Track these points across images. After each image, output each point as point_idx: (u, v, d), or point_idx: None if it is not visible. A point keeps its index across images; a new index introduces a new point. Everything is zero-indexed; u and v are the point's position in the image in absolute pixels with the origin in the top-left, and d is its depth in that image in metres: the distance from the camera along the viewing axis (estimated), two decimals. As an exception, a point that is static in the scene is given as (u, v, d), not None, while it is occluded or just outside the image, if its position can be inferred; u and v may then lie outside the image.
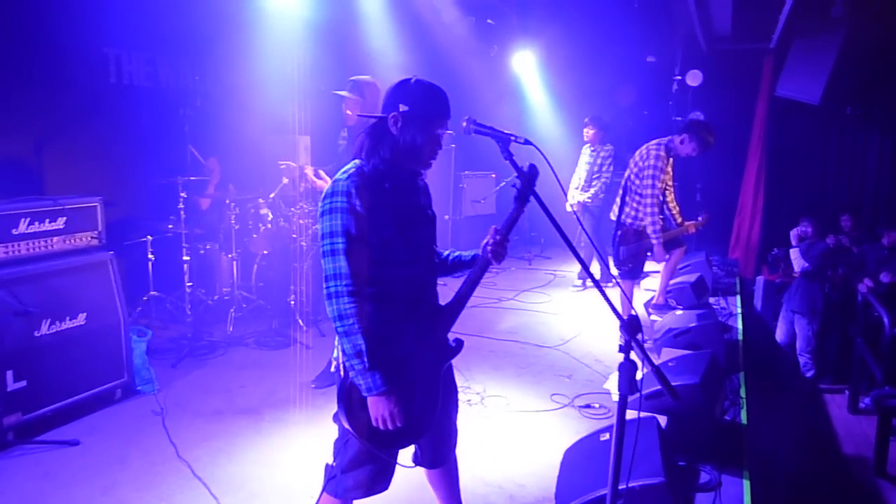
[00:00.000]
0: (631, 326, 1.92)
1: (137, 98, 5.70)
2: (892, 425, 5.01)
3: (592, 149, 7.22)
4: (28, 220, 3.61)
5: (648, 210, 5.05)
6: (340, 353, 2.08)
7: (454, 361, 2.29)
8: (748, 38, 7.93)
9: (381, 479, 2.22)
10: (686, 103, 8.55)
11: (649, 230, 5.09)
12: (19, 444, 3.45)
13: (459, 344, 2.28)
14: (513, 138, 2.04)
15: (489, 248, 2.12)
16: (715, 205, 8.96)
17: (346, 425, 2.09)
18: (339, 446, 2.22)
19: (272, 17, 5.91)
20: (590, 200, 7.13)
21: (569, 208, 7.38)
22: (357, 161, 2.12)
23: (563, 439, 3.65)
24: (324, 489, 2.26)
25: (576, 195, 7.24)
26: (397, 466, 2.24)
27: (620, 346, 1.96)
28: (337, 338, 2.08)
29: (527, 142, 2.03)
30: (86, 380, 3.84)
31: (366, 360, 1.96)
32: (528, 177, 2.04)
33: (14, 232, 3.55)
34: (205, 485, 3.18)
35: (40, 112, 4.99)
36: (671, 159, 5.19)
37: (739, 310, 6.28)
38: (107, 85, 5.51)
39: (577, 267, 7.84)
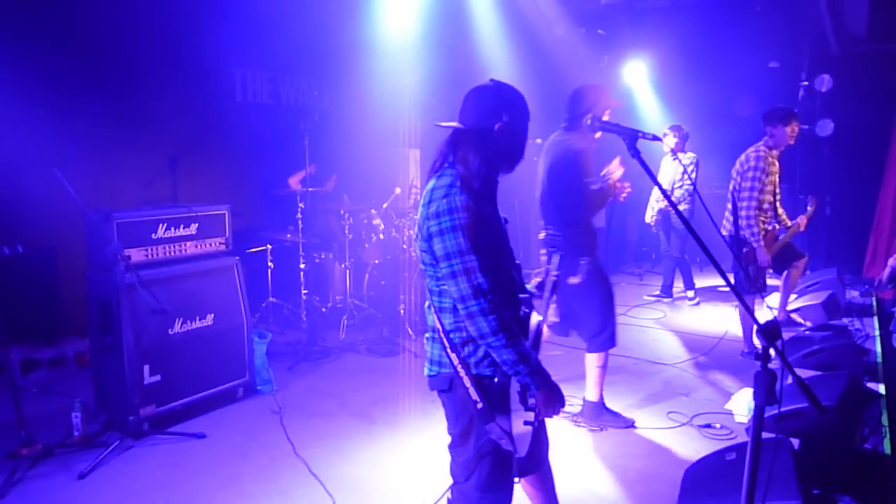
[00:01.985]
0: (770, 332, 1.79)
1: (260, 114, 6.04)
2: None
3: (674, 158, 6.93)
4: (165, 225, 3.88)
5: (744, 213, 4.86)
6: (458, 362, 2.04)
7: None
8: (886, 37, 7.33)
9: (507, 501, 2.17)
10: (814, 111, 8.01)
11: (747, 233, 4.84)
12: (153, 434, 3.69)
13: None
14: (640, 134, 1.97)
15: None
16: (848, 220, 8.34)
17: (503, 427, 2.01)
18: (472, 465, 2.13)
19: (387, 34, 6.10)
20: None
21: (649, 219, 7.24)
22: (452, 172, 2.03)
23: (683, 458, 3.47)
24: None
25: (656, 206, 7.11)
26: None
27: (757, 352, 1.83)
28: (431, 342, 2.13)
29: (654, 137, 1.95)
30: (212, 377, 4.07)
31: (531, 361, 1.94)
32: None
33: (153, 236, 3.82)
34: (320, 482, 3.26)
35: (174, 128, 5.39)
36: (775, 159, 5.06)
37: (878, 331, 5.77)
38: (233, 103, 5.88)
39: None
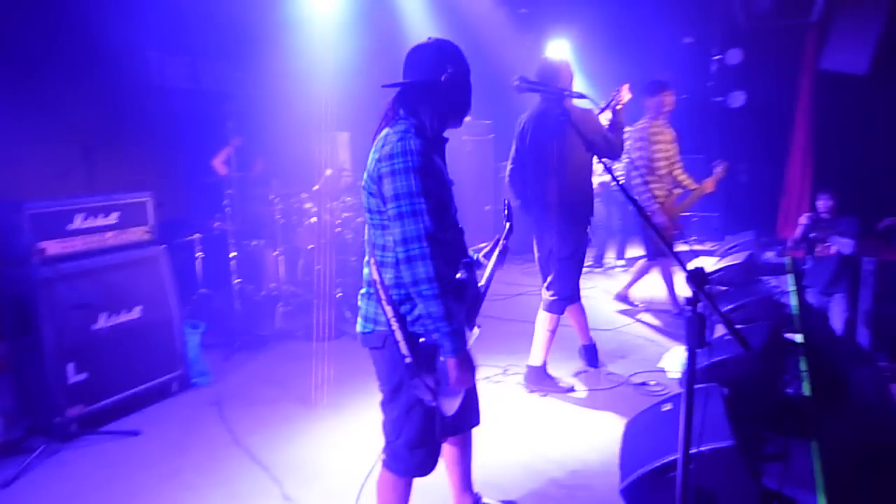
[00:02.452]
0: (698, 278, 1.86)
1: (180, 99, 5.81)
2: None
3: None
4: (83, 215, 3.69)
5: (633, 182, 5.30)
6: (393, 316, 2.05)
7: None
8: (789, 12, 7.72)
9: (434, 458, 2.22)
10: (727, 83, 8.38)
11: (640, 200, 5.19)
12: (83, 435, 3.52)
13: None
14: (566, 93, 2.01)
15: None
16: (762, 185, 8.77)
17: (430, 385, 2.05)
18: (401, 422, 2.18)
19: (309, 15, 5.96)
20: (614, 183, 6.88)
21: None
22: (404, 123, 2.07)
23: (621, 415, 3.59)
24: (390, 469, 2.24)
25: (596, 180, 7.11)
26: None
27: (687, 298, 1.90)
28: (367, 299, 2.14)
29: (580, 95, 1.99)
30: (144, 372, 3.91)
31: (454, 322, 1.95)
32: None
33: (69, 227, 3.62)
34: (265, 468, 3.20)
35: (89, 116, 5.12)
36: (660, 128, 5.31)
37: (793, 287, 6.11)
38: (150, 87, 5.63)
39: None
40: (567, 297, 3.97)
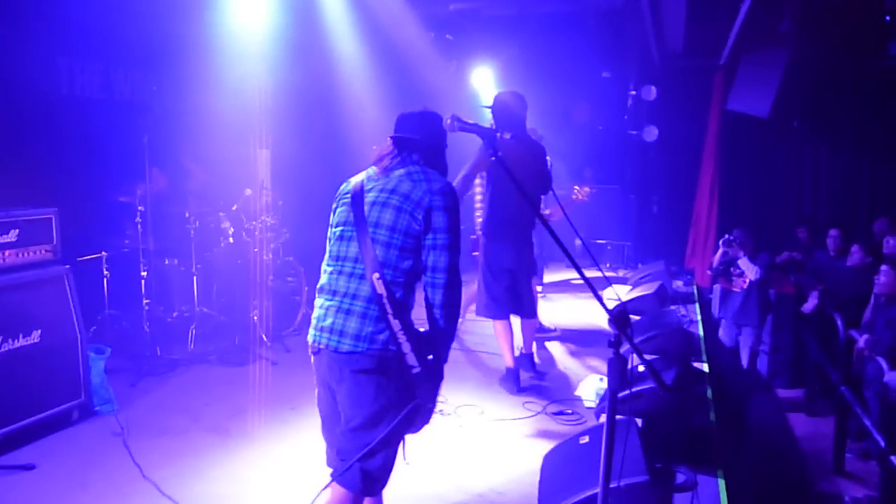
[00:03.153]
0: (620, 320, 1.93)
1: (91, 110, 5.52)
2: (846, 427, 5.18)
3: None
4: (-22, 232, 3.43)
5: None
6: (400, 329, 2.15)
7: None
8: (700, 53, 8.19)
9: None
10: (641, 118, 8.77)
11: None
12: (-31, 470, 3.25)
13: None
14: (498, 133, 2.05)
15: None
16: (672, 217, 9.21)
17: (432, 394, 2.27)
18: (381, 444, 2.20)
19: (233, 29, 5.81)
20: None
21: None
22: (431, 170, 2.32)
23: (540, 446, 3.63)
24: (353, 488, 2.23)
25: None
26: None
27: (610, 340, 1.96)
28: (361, 317, 2.20)
29: (513, 136, 2.04)
30: (41, 400, 3.65)
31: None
32: None
33: (-37, 245, 3.37)
34: (174, 503, 3.04)
35: (-13, 123, 4.78)
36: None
37: (699, 317, 6.42)
38: (59, 96, 5.32)
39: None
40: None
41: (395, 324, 2.14)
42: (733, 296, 6.50)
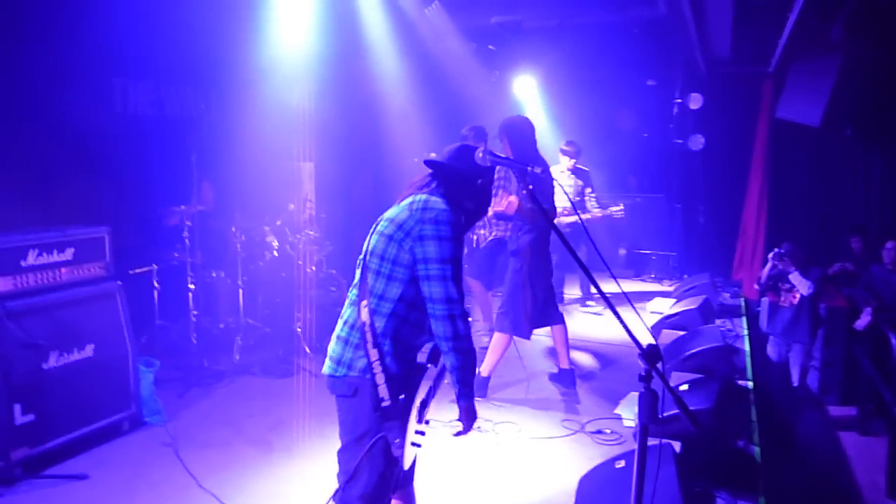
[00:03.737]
0: (651, 355, 1.91)
1: (143, 126, 5.73)
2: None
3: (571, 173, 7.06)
4: (36, 251, 3.60)
5: None
6: (377, 360, 2.16)
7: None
8: (748, 61, 8.01)
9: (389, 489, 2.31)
10: (686, 126, 8.62)
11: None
12: (27, 479, 3.40)
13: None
14: (529, 168, 2.06)
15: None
16: (718, 227, 9.02)
17: (398, 431, 2.18)
18: (360, 472, 2.21)
19: (278, 46, 5.96)
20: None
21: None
22: (441, 196, 2.27)
23: (577, 466, 3.62)
24: None
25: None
26: None
27: (640, 374, 1.95)
28: (345, 344, 2.25)
29: (544, 171, 2.05)
30: (93, 412, 3.81)
31: (475, 370, 2.21)
32: None
33: (23, 264, 3.54)
34: None
35: (47, 143, 5.00)
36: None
37: (746, 331, 6.27)
38: (112, 114, 5.54)
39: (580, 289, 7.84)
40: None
41: (373, 353, 2.15)
42: (782, 311, 6.31)
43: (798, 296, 6.12)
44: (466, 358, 2.15)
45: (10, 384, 3.36)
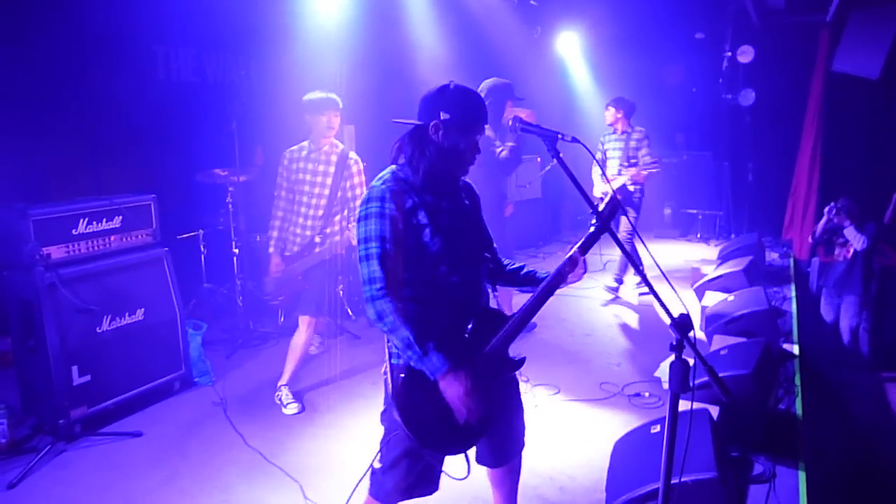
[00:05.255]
0: (682, 325, 1.89)
1: (185, 93, 5.82)
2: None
3: (622, 132, 6.35)
4: (86, 220, 3.74)
5: None
6: (387, 354, 2.15)
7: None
8: (803, 10, 7.62)
9: (424, 482, 2.21)
10: (737, 80, 8.31)
11: None
12: (86, 436, 3.61)
13: (521, 361, 2.27)
14: (559, 136, 2.02)
15: (567, 269, 2.13)
16: (769, 185, 8.73)
17: (398, 418, 2.07)
18: (383, 446, 2.23)
19: (316, 9, 5.93)
20: (633, 187, 6.27)
21: (599, 194, 6.34)
22: (393, 166, 2.14)
23: (614, 429, 3.63)
24: (367, 490, 2.29)
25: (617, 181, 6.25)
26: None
27: (671, 344, 1.93)
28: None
29: (574, 139, 2.01)
30: (146, 373, 3.99)
31: (417, 347, 1.95)
32: (612, 207, 2.06)
33: (74, 232, 3.68)
34: (279, 468, 3.30)
35: (92, 111, 5.13)
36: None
37: (794, 293, 6.11)
38: (155, 81, 5.64)
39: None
40: None
41: (386, 346, 2.15)
42: (835, 265, 6.15)
43: (852, 250, 5.96)
44: (393, 336, 2.00)
45: (67, 347, 3.54)
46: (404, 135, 2.14)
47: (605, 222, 2.05)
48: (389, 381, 2.14)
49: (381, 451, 2.25)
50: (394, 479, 2.19)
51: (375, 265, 1.99)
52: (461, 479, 2.20)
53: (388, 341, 2.13)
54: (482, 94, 3.64)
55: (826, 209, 6.08)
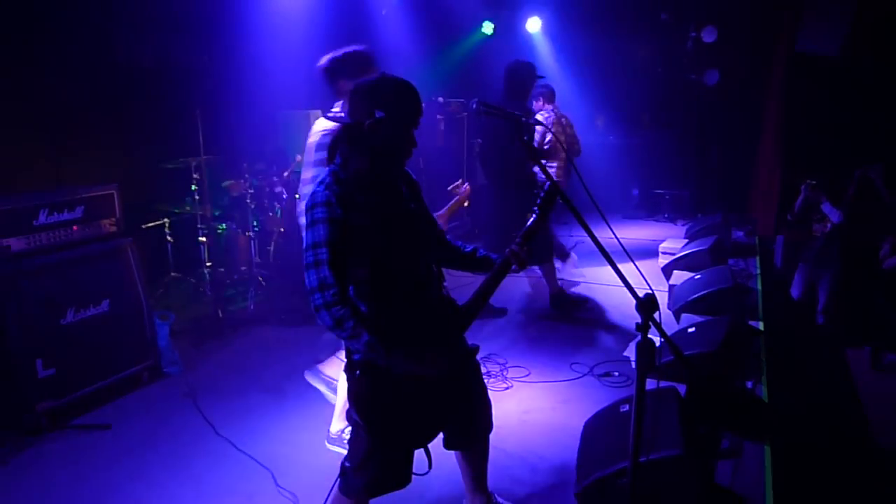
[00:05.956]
0: (647, 305, 1.92)
1: (147, 78, 5.69)
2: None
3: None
4: (48, 210, 3.65)
5: None
6: (344, 353, 2.16)
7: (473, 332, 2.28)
8: (767, -11, 7.70)
9: (394, 477, 2.23)
10: (701, 61, 8.38)
11: None
12: (55, 429, 3.54)
13: (474, 349, 2.30)
14: (522, 119, 2.03)
15: (512, 254, 2.17)
16: (733, 163, 8.86)
17: (358, 418, 2.11)
18: (350, 444, 2.25)
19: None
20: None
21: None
22: (331, 168, 2.09)
23: (584, 409, 3.68)
24: (338, 488, 2.30)
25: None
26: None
27: (637, 323, 1.96)
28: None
29: (535, 122, 2.02)
30: (113, 364, 3.93)
31: (380, 348, 1.95)
32: (550, 194, 2.11)
33: (35, 223, 3.59)
34: (252, 457, 3.29)
35: (50, 98, 4.99)
36: None
37: (759, 271, 6.24)
38: (114, 66, 5.50)
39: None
40: None
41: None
42: (814, 240, 6.28)
43: (829, 225, 6.08)
44: (357, 343, 1.95)
45: (30, 340, 3.47)
46: (339, 135, 2.09)
47: (544, 211, 2.14)
48: (349, 379, 2.13)
49: (348, 449, 2.26)
50: (364, 478, 2.20)
51: (327, 271, 1.94)
52: (423, 475, 2.25)
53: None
54: (509, 76, 3.66)
55: (802, 185, 6.19)
